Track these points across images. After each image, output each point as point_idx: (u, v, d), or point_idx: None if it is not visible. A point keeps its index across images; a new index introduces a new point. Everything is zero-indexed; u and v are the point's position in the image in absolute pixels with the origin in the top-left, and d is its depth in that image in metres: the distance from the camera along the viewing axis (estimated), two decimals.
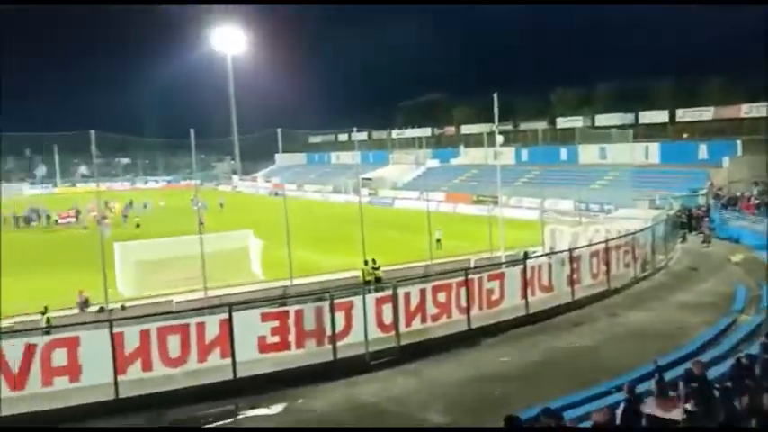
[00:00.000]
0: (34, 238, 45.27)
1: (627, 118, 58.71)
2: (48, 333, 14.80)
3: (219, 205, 57.08)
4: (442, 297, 16.56)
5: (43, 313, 19.16)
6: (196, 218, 44.93)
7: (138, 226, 45.46)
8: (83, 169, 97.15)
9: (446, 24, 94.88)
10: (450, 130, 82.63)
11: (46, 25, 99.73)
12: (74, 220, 51.55)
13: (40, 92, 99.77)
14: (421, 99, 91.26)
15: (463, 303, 16.77)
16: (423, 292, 16.38)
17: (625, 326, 17.50)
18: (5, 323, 19.46)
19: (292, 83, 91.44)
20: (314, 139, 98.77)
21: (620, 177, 48.33)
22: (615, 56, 73.60)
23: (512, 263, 21.66)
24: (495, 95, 27.85)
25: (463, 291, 16.78)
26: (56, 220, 51.53)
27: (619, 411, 9.44)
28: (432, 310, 16.39)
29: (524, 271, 18.25)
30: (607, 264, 20.63)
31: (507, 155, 59.15)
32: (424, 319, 16.26)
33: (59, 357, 12.94)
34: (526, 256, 21.60)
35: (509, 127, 66.04)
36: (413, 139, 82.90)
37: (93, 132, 23.15)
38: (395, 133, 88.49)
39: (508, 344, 16.35)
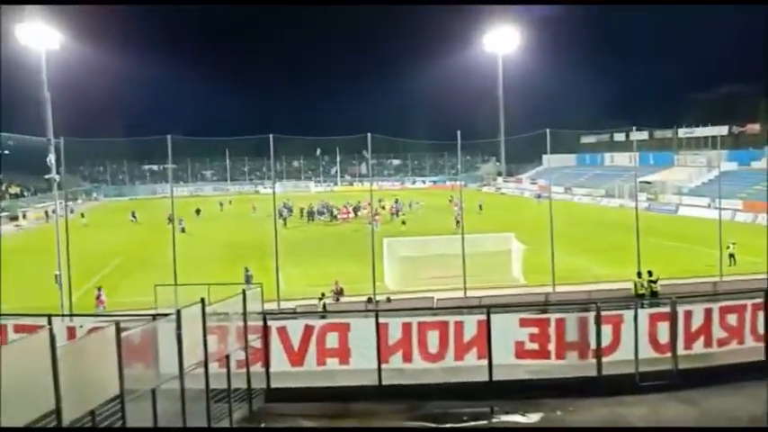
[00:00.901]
0: (318, 230, 50.72)
1: None
2: (323, 317, 16.17)
3: (478, 207, 57.71)
4: (732, 320, 14.34)
5: (320, 299, 21.17)
6: (453, 218, 46.35)
7: (403, 223, 48.19)
8: (361, 169, 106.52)
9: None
10: (754, 127, 71.69)
11: (327, 38, 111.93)
12: (351, 215, 56.61)
13: (326, 98, 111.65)
14: (718, 91, 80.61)
15: (760, 329, 14.30)
16: (708, 312, 14.34)
17: None
18: (290, 305, 21.97)
19: (565, 79, 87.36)
20: (586, 140, 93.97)
21: None
22: None
23: None
24: None
25: (761, 314, 14.31)
26: (335, 215, 57.07)
27: None
28: (719, 333, 14.30)
29: None
30: None
31: None
32: (708, 343, 14.28)
33: (332, 340, 14.02)
34: None
35: None
36: (705, 138, 73.81)
37: (369, 135, 24.90)
38: (682, 132, 79.55)
39: None
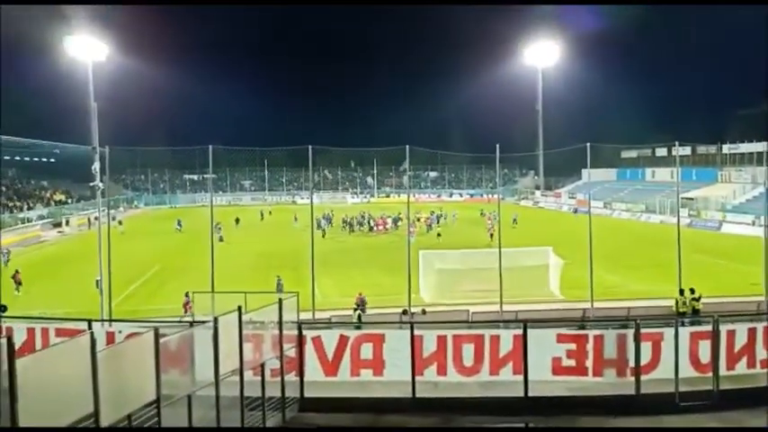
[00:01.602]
0: (355, 241, 50.87)
1: None
2: (358, 328, 16.16)
3: (512, 220, 57.07)
4: None
5: (355, 309, 21.20)
6: (486, 231, 46.02)
7: (439, 235, 47.99)
8: (404, 180, 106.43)
9: None
10: None
11: (366, 51, 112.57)
12: (390, 225, 56.67)
13: (364, 110, 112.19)
14: (764, 106, 78.34)
15: None
16: (752, 331, 13.89)
17: None
18: (325, 315, 22.03)
19: (606, 93, 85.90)
20: (627, 154, 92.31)
21: None
22: None
23: None
24: None
25: None
26: (372, 227, 57.18)
27: None
28: (762, 354, 13.84)
29: None
30: None
31: None
32: (751, 364, 13.83)
33: (366, 351, 14.00)
34: None
35: None
36: (749, 154, 71.79)
37: (407, 147, 24.88)
38: (726, 147, 77.58)
39: None
